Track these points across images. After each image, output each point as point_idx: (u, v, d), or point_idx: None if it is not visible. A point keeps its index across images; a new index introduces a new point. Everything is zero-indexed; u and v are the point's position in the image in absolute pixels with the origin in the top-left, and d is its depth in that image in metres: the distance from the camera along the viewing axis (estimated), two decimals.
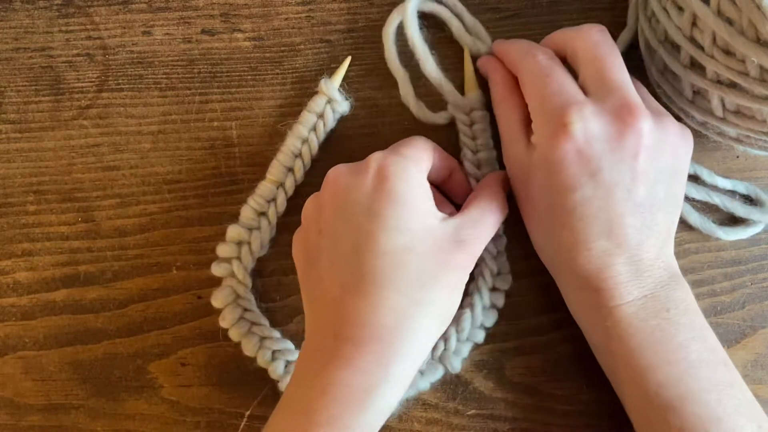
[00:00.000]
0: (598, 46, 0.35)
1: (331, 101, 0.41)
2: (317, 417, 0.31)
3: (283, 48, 0.42)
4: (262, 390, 0.41)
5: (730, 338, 0.41)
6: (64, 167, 0.42)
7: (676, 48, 0.37)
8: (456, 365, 0.39)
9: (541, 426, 0.40)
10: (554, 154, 0.34)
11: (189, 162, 0.42)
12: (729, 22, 0.32)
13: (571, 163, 0.33)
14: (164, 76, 0.42)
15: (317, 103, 0.41)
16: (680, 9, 0.35)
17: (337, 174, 0.35)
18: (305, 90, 0.42)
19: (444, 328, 0.35)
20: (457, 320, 0.39)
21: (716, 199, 0.41)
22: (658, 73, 0.39)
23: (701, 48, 0.34)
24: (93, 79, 0.42)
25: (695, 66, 0.36)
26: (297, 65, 0.42)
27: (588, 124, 0.33)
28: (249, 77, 0.42)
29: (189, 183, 0.42)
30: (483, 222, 0.35)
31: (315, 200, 0.36)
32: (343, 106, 0.41)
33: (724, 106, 0.36)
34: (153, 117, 0.42)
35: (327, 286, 0.34)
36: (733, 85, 0.34)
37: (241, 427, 0.41)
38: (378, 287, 0.32)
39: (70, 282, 0.41)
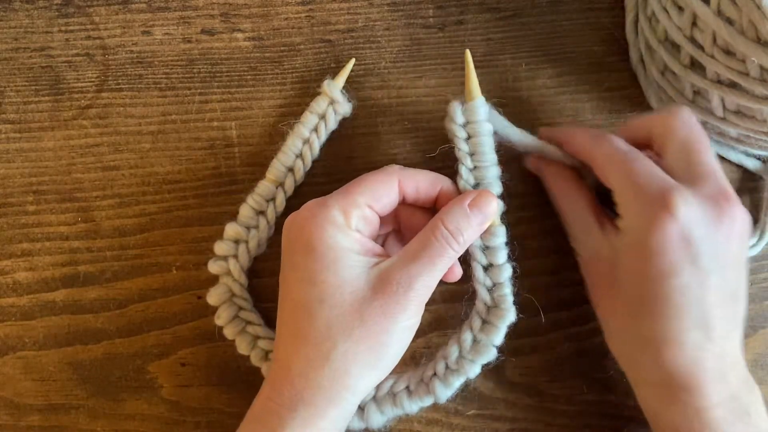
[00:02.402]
0: (688, 129, 0.35)
1: (334, 102, 0.40)
2: None
3: (283, 48, 0.42)
4: None
5: None
6: (64, 167, 0.42)
7: (676, 48, 0.37)
8: (441, 396, 0.37)
9: (541, 426, 0.40)
10: (655, 238, 0.32)
11: (189, 162, 0.42)
12: (729, 22, 0.32)
13: (674, 247, 0.32)
14: (164, 76, 0.42)
15: (319, 104, 0.40)
16: (680, 9, 0.35)
17: (289, 217, 0.35)
18: (305, 90, 0.42)
19: (373, 378, 0.34)
20: (444, 351, 0.38)
21: None
22: (658, 73, 0.39)
23: (701, 48, 0.34)
24: (93, 79, 0.42)
25: (695, 66, 0.36)
26: (297, 65, 0.42)
27: (690, 208, 0.32)
28: (249, 77, 0.42)
29: (189, 183, 0.42)
30: (419, 258, 0.33)
31: None
32: (345, 108, 0.41)
33: (724, 106, 0.36)
34: (153, 117, 0.42)
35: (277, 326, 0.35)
36: (733, 85, 0.34)
37: None
38: (291, 338, 0.33)
39: (69, 282, 0.41)
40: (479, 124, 0.37)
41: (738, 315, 0.33)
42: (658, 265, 0.32)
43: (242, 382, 0.41)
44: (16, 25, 0.42)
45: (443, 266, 0.34)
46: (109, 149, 0.42)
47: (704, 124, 0.39)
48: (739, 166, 0.42)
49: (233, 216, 0.40)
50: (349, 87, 0.41)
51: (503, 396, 0.41)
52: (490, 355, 0.37)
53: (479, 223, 0.35)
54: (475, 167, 0.37)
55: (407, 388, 0.38)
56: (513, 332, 0.41)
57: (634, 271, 0.33)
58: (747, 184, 0.42)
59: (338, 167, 0.41)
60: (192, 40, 0.42)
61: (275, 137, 0.41)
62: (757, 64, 0.32)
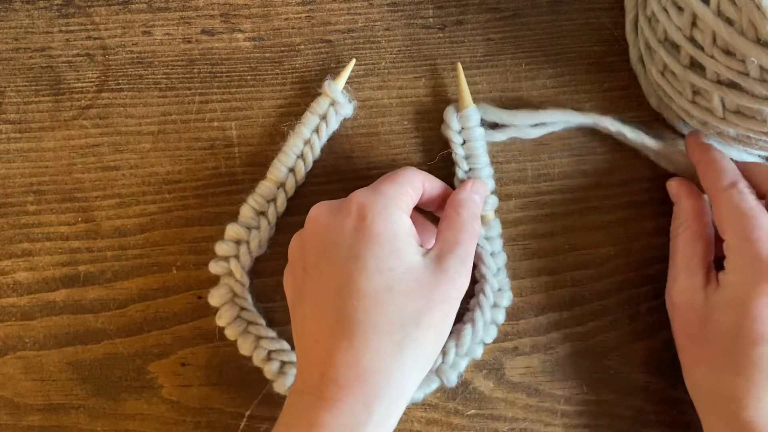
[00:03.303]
0: None
1: (335, 103, 0.40)
2: None
3: (283, 48, 0.42)
4: (263, 390, 0.41)
5: None
6: (64, 167, 0.42)
7: (676, 48, 0.37)
8: (452, 379, 0.39)
9: (541, 426, 0.40)
10: (755, 302, 0.34)
11: (189, 162, 0.42)
12: (729, 22, 0.32)
13: None
14: (164, 76, 0.42)
15: (320, 105, 0.40)
16: (680, 9, 0.35)
17: (319, 213, 0.35)
18: (305, 90, 0.42)
19: (430, 365, 0.34)
20: (457, 335, 0.39)
21: None
22: (658, 73, 0.39)
23: (701, 48, 0.34)
24: (93, 79, 0.42)
25: (695, 66, 0.36)
26: (297, 65, 0.42)
27: None
28: (249, 77, 0.42)
29: (189, 183, 0.42)
30: (461, 244, 0.35)
31: (299, 238, 0.36)
32: (347, 109, 0.41)
33: (724, 106, 0.36)
34: (153, 117, 0.42)
35: (311, 326, 0.34)
36: (733, 85, 0.34)
37: (241, 427, 0.41)
38: (359, 329, 0.32)
39: (70, 282, 0.41)
40: (473, 130, 0.40)
41: None
42: (754, 330, 0.34)
43: (242, 382, 0.41)
44: (17, 26, 0.42)
45: (475, 243, 0.36)
46: (110, 149, 0.42)
47: (704, 124, 0.39)
48: None
49: (234, 216, 0.40)
50: (350, 87, 0.41)
51: (503, 396, 0.41)
52: (495, 334, 0.40)
53: (482, 202, 0.38)
54: (470, 169, 0.40)
55: None
56: (513, 332, 0.41)
57: (728, 328, 0.35)
58: None
59: (339, 167, 0.42)
60: (192, 40, 0.42)
61: (275, 137, 0.42)
62: (757, 64, 0.32)
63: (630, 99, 0.42)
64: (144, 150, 0.42)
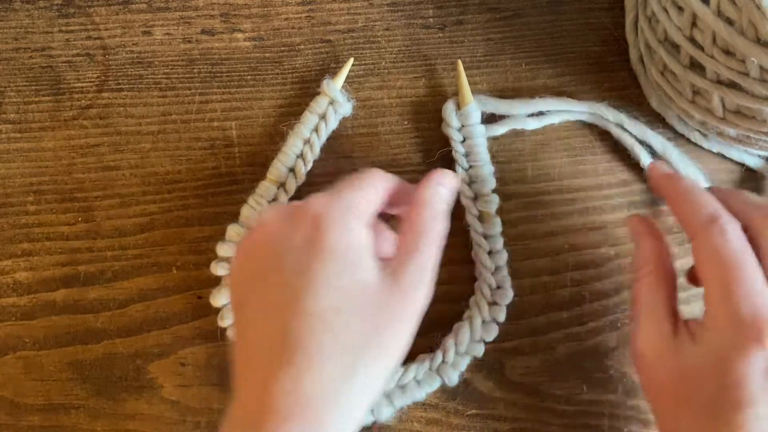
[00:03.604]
0: None
1: (334, 102, 0.40)
2: None
3: (283, 48, 0.42)
4: None
5: None
6: (64, 167, 0.42)
7: (676, 48, 0.37)
8: (453, 378, 0.39)
9: (541, 426, 0.40)
10: (739, 366, 0.30)
11: (189, 162, 0.42)
12: (729, 22, 0.32)
13: (757, 380, 0.30)
14: (164, 76, 0.42)
15: (319, 104, 0.40)
16: (680, 9, 0.35)
17: (270, 218, 0.32)
18: (305, 90, 0.42)
19: (381, 388, 0.31)
20: (455, 333, 0.39)
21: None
22: (658, 73, 0.39)
23: (701, 48, 0.34)
24: (93, 79, 0.42)
25: (695, 66, 0.36)
26: (297, 65, 0.42)
27: None
28: (249, 77, 0.42)
29: (189, 183, 0.42)
30: (420, 250, 0.32)
31: (248, 242, 0.33)
32: (346, 108, 0.41)
33: (724, 106, 0.36)
34: (153, 117, 0.42)
35: (252, 341, 0.30)
36: (733, 85, 0.34)
37: None
38: (303, 352, 0.28)
39: (70, 282, 0.41)
40: (473, 128, 0.40)
41: None
42: (736, 393, 0.30)
43: None
44: (17, 25, 0.42)
45: (440, 246, 0.33)
46: (110, 149, 0.42)
47: (704, 124, 0.39)
48: (740, 165, 0.42)
49: (234, 216, 0.40)
50: (349, 87, 0.41)
51: (503, 396, 0.41)
52: (495, 332, 0.39)
53: (450, 195, 0.34)
54: (470, 166, 0.40)
55: (415, 379, 0.39)
56: (513, 332, 0.41)
57: (708, 390, 0.31)
58: (747, 184, 0.42)
59: (339, 167, 0.42)
60: (192, 40, 0.42)
61: (275, 137, 0.42)
62: (757, 64, 0.32)
63: (630, 99, 0.42)
64: (144, 150, 0.42)
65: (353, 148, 0.42)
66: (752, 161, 0.41)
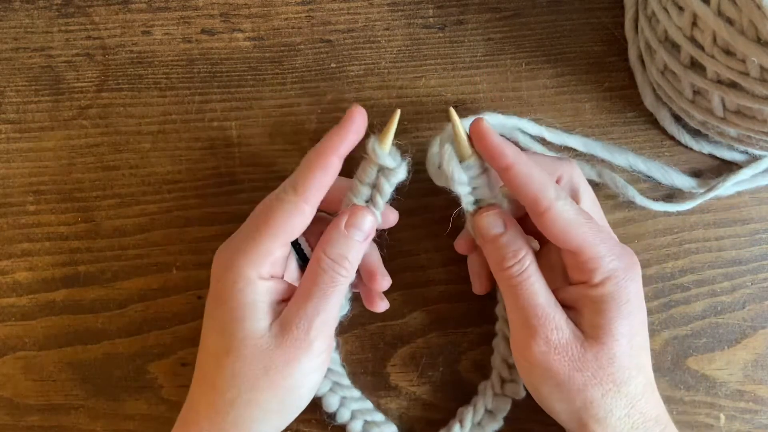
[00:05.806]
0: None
1: (383, 169, 0.34)
2: None
3: (283, 48, 0.42)
4: None
5: (730, 338, 0.41)
6: (64, 167, 0.42)
7: (676, 48, 0.37)
8: None
9: (541, 426, 0.40)
10: (638, 286, 0.34)
11: (189, 162, 0.42)
12: (729, 21, 0.32)
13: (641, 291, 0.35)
14: (164, 76, 0.42)
15: (368, 173, 0.34)
16: (680, 9, 0.35)
17: (214, 258, 0.36)
18: (305, 90, 0.42)
19: (280, 423, 0.35)
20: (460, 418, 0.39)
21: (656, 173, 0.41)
22: (658, 73, 0.39)
23: (701, 48, 0.34)
24: (93, 79, 0.42)
25: (695, 66, 0.36)
26: (297, 65, 0.42)
27: None
28: (249, 77, 0.42)
29: (189, 183, 0.41)
30: (310, 299, 0.33)
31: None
32: (400, 174, 0.34)
33: (724, 106, 0.36)
34: (153, 117, 0.42)
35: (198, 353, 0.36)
36: (733, 85, 0.34)
37: None
38: (202, 382, 0.35)
39: (70, 282, 0.41)
40: (480, 177, 0.34)
41: None
42: (642, 309, 0.34)
43: None
44: (16, 25, 0.42)
45: (338, 295, 0.34)
46: (109, 149, 0.42)
47: (704, 124, 0.39)
48: (732, 165, 0.42)
49: (233, 216, 0.40)
50: (350, 87, 0.41)
51: None
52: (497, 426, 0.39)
53: (361, 240, 0.34)
54: (474, 191, 0.35)
55: None
56: None
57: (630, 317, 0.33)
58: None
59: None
60: (192, 40, 0.42)
61: (275, 137, 0.42)
62: (757, 64, 0.32)
63: (630, 98, 0.42)
64: (144, 150, 0.42)
65: (353, 148, 0.41)
66: (729, 156, 0.41)
